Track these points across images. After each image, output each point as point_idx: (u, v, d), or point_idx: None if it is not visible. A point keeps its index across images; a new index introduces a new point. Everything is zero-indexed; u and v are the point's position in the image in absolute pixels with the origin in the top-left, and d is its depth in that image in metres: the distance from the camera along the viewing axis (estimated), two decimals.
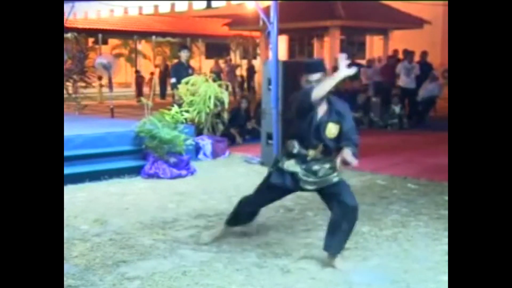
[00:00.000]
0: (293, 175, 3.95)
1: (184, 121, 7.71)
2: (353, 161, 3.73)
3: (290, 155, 3.95)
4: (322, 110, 3.85)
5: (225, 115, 9.49)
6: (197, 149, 8.29)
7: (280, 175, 4.01)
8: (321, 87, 3.67)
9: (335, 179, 3.94)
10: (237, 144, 9.64)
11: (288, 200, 5.85)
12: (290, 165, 3.95)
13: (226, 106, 8.85)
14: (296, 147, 3.91)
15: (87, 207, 5.54)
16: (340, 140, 3.88)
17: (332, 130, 3.85)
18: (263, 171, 7.43)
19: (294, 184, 3.99)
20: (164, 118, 7.41)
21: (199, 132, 8.74)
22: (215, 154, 8.41)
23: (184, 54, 9.71)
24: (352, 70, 3.62)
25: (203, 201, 5.04)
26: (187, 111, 7.97)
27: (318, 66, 3.92)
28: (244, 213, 4.36)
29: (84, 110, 12.23)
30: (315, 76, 3.82)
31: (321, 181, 3.94)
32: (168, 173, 6.92)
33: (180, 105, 8.14)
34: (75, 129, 7.44)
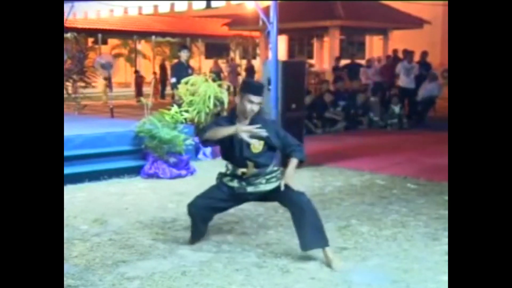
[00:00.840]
0: (232, 189, 4.10)
1: (183, 121, 7.72)
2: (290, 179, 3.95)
3: (227, 175, 4.13)
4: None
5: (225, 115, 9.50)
6: (197, 149, 8.28)
7: (221, 189, 4.16)
8: (215, 131, 3.88)
9: (273, 185, 4.06)
10: None
11: None
12: (228, 180, 4.12)
13: (226, 106, 8.84)
14: (229, 168, 4.10)
15: (86, 207, 5.54)
16: (267, 153, 4.04)
17: (256, 145, 3.97)
18: None
19: (234, 197, 4.15)
20: (163, 118, 7.41)
21: (198, 132, 8.75)
22: (214, 154, 8.40)
23: (184, 54, 9.71)
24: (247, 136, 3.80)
25: None
26: (186, 111, 7.97)
27: (262, 90, 4.05)
28: (194, 217, 4.28)
29: (84, 110, 12.23)
30: (258, 99, 3.95)
31: (258, 191, 4.09)
32: (168, 173, 6.92)
33: (179, 105, 8.13)
34: (75, 129, 7.44)
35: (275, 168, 4.13)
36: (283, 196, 4.01)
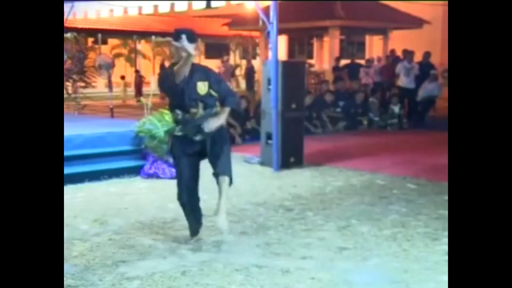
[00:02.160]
0: (185, 138, 4.28)
1: None
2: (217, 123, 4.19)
3: (177, 122, 4.32)
4: (185, 75, 4.14)
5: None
6: None
7: (176, 142, 4.35)
8: (181, 68, 4.04)
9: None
10: (236, 144, 9.64)
11: (288, 200, 5.87)
12: (180, 129, 4.30)
13: None
14: (179, 113, 4.26)
15: (86, 207, 5.54)
16: (212, 96, 4.27)
17: (201, 87, 4.20)
18: (262, 171, 7.49)
19: (190, 145, 4.30)
20: (163, 118, 7.39)
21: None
22: None
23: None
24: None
25: (203, 200, 5.00)
26: None
27: (179, 34, 4.08)
28: (187, 206, 4.43)
29: (84, 110, 12.23)
30: (177, 43, 4.06)
31: (203, 138, 4.27)
32: (168, 173, 6.92)
33: None
34: (75, 129, 7.43)
35: (219, 109, 4.32)
36: (211, 154, 4.23)
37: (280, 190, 6.33)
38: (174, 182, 6.66)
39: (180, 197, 4.37)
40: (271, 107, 7.47)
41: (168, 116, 7.38)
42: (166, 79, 4.25)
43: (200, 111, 4.23)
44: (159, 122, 7.25)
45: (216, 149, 4.21)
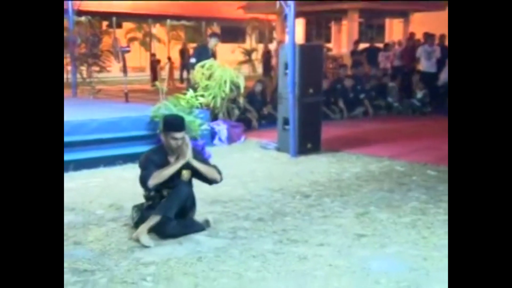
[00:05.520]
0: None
1: (199, 105, 7.73)
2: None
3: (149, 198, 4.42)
4: (173, 160, 4.34)
5: (241, 100, 9.48)
6: (213, 134, 8.30)
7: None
8: (160, 175, 4.21)
9: None
10: (252, 129, 9.65)
11: (305, 186, 5.87)
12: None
13: (242, 90, 8.83)
14: (152, 191, 4.35)
15: (102, 192, 5.59)
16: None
17: (185, 175, 4.39)
18: (279, 157, 7.49)
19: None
20: (179, 102, 7.43)
21: (214, 117, 8.76)
22: (230, 139, 8.42)
23: (213, 41, 9.69)
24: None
25: (218, 187, 5.03)
26: (202, 96, 7.97)
27: (182, 125, 4.38)
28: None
29: (99, 95, 12.28)
30: (181, 134, 4.31)
31: None
32: None
33: (195, 90, 8.14)
34: (90, 114, 7.50)
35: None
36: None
37: (297, 176, 6.33)
38: None
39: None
40: (288, 92, 7.44)
41: (184, 101, 7.41)
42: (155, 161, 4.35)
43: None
44: (174, 107, 7.29)
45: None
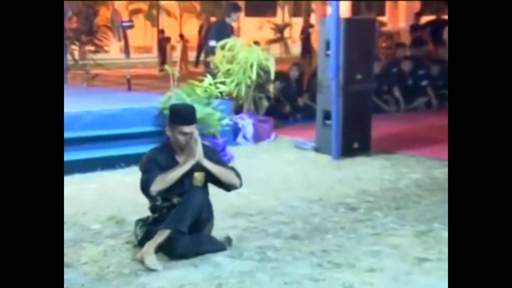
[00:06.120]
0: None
1: (219, 95, 7.77)
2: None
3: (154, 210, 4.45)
4: (182, 160, 4.38)
5: (271, 88, 9.49)
6: (236, 130, 8.35)
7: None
8: (164, 179, 4.24)
9: None
10: (285, 125, 9.66)
11: (350, 196, 5.86)
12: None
13: (272, 76, 8.84)
14: (159, 199, 4.37)
15: (99, 201, 5.66)
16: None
17: (198, 178, 4.42)
18: (318, 159, 7.49)
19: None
20: (194, 91, 7.48)
21: (238, 110, 8.80)
22: (257, 137, 8.45)
23: (234, 15, 9.73)
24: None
25: (242, 195, 5.05)
26: (223, 83, 8.02)
27: (192, 117, 4.42)
28: None
29: (94, 81, 12.42)
30: (191, 128, 4.35)
31: None
32: None
33: (214, 76, 8.19)
34: (83, 105, 7.59)
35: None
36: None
37: (341, 184, 6.33)
38: None
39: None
40: (330, 78, 7.44)
41: (200, 89, 7.46)
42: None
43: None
44: (188, 97, 7.34)
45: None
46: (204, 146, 4.46)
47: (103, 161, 6.79)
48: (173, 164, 4.36)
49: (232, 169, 4.55)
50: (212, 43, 9.36)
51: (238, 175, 4.49)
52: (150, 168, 4.35)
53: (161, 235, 4.21)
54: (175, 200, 4.34)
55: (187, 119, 4.37)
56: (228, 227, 4.86)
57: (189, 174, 4.36)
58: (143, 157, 4.53)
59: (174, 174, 4.28)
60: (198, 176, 4.41)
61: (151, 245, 4.20)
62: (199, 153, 4.31)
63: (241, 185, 4.51)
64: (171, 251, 4.24)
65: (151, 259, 4.13)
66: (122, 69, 13.64)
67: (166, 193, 4.32)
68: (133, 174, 6.57)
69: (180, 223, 4.20)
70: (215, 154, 4.67)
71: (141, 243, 4.36)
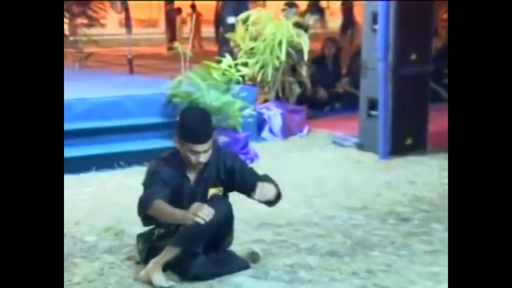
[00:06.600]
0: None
1: (240, 79, 7.77)
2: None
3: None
4: (194, 175, 4.39)
5: (304, 71, 9.46)
6: (260, 123, 8.36)
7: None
8: (160, 211, 4.11)
9: None
10: (321, 116, 9.65)
11: (402, 204, 5.84)
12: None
13: (306, 57, 8.82)
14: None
15: (94, 209, 5.69)
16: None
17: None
18: (361, 158, 7.48)
19: None
20: (210, 75, 7.48)
21: (263, 98, 8.80)
22: (287, 131, 8.46)
23: None
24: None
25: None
26: (245, 65, 8.02)
27: (207, 132, 4.29)
28: None
29: (88, 61, 12.47)
30: (204, 147, 4.24)
31: None
32: None
33: (235, 56, 8.19)
34: (76, 91, 7.60)
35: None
36: None
37: (390, 189, 6.34)
38: None
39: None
40: (377, 59, 7.41)
41: (217, 72, 7.47)
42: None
43: None
44: (203, 82, 7.35)
45: None
46: (219, 152, 4.45)
47: (99, 159, 6.84)
48: (182, 181, 4.31)
49: (267, 178, 4.38)
50: (231, 19, 9.35)
51: (275, 184, 4.34)
52: (153, 182, 4.28)
53: (169, 253, 4.17)
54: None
55: (201, 138, 4.23)
56: (252, 241, 4.86)
57: (202, 190, 4.35)
58: (150, 163, 4.49)
59: (170, 216, 4.17)
60: (214, 192, 4.40)
61: (157, 262, 4.18)
62: (205, 215, 3.98)
63: (281, 197, 4.38)
64: (183, 272, 4.21)
65: (159, 277, 4.12)
66: (122, 47, 13.72)
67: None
68: (136, 175, 6.60)
69: (192, 242, 4.14)
70: (236, 160, 4.56)
71: (145, 260, 4.36)
